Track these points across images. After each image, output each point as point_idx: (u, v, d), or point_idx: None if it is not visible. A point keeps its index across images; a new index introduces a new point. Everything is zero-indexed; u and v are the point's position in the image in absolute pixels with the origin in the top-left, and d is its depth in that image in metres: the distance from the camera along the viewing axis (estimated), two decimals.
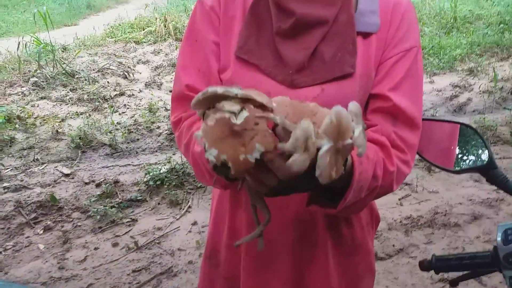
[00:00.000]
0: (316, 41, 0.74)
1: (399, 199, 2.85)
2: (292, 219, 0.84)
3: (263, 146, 0.49)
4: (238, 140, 0.49)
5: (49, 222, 2.67)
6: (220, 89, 0.50)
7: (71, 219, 2.71)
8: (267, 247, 0.76)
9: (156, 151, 3.78)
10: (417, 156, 0.90)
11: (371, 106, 0.80)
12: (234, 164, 0.49)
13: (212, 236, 0.98)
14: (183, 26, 8.09)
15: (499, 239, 0.81)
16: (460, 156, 1.04)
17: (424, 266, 0.90)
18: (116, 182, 3.11)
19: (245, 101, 0.50)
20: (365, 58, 0.77)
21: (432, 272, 0.91)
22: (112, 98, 4.81)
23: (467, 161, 1.05)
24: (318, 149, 0.49)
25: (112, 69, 5.81)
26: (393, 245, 2.39)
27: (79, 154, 3.60)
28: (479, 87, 4.96)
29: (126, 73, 5.72)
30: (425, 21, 7.52)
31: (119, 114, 4.46)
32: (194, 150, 0.75)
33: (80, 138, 3.77)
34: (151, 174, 3.10)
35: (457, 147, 1.04)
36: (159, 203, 2.89)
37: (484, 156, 0.99)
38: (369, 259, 0.95)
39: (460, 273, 0.93)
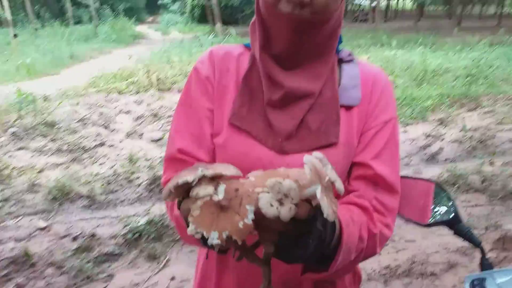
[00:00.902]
0: (303, 112, 0.81)
1: None
2: (280, 283, 0.85)
3: (253, 205, 0.53)
4: (229, 212, 0.51)
5: (21, 279, 2.58)
6: (190, 177, 0.53)
7: (44, 276, 2.63)
8: None
9: (135, 202, 3.75)
10: None
11: (354, 173, 0.85)
12: (237, 234, 0.51)
13: None
14: (166, 77, 8.28)
15: None
16: (426, 209, 1.11)
17: None
18: (93, 235, 3.06)
19: (214, 177, 0.55)
20: (347, 129, 0.83)
21: None
22: (92, 149, 4.81)
23: (436, 216, 1.11)
24: (306, 199, 0.54)
25: (93, 119, 5.86)
26: None
27: (56, 206, 3.54)
28: (450, 136, 5.18)
29: (107, 123, 5.76)
30: (397, 73, 7.90)
31: (99, 164, 4.45)
32: (176, 214, 0.78)
33: (57, 189, 3.72)
34: (129, 226, 3.07)
35: (424, 201, 1.11)
36: (137, 257, 2.84)
37: (451, 211, 1.07)
38: None
39: None
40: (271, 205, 0.52)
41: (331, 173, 0.56)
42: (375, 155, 0.83)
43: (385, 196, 0.82)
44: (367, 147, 0.84)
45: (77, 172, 4.14)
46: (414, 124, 5.71)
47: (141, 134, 5.60)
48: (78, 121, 5.69)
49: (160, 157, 4.59)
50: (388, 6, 33.29)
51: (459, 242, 2.97)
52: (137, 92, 7.71)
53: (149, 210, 3.30)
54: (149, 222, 3.13)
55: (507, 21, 27.46)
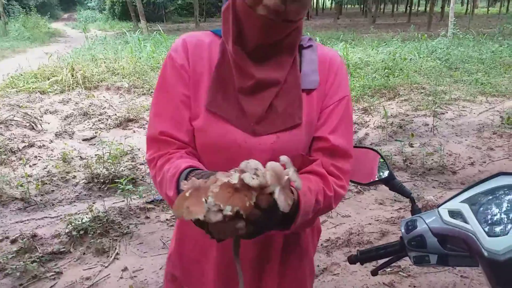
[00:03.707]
0: (271, 98, 0.90)
1: None
2: (253, 240, 0.95)
3: (256, 191, 0.67)
4: (241, 194, 0.66)
5: None
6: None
7: None
8: (232, 266, 0.93)
9: (74, 201, 3.64)
10: None
11: (314, 146, 0.97)
12: (245, 211, 0.65)
13: (178, 257, 1.08)
14: (92, 75, 7.97)
15: (402, 230, 1.04)
16: (368, 171, 1.30)
17: (352, 260, 1.10)
18: (34, 236, 2.94)
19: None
20: (309, 110, 0.94)
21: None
22: (20, 150, 4.54)
23: (375, 176, 1.30)
24: (270, 193, 0.68)
25: (16, 120, 5.50)
26: (318, 266, 2.61)
27: None
28: (374, 123, 5.63)
29: (33, 124, 5.45)
30: None
31: (30, 166, 4.23)
32: (168, 195, 0.87)
33: None
34: (73, 224, 2.99)
35: (366, 165, 1.29)
36: (84, 253, 2.78)
37: (386, 171, 1.26)
38: (311, 262, 1.13)
39: (380, 262, 1.15)
40: (252, 178, 0.67)
41: (292, 175, 0.70)
42: (332, 130, 0.96)
43: (340, 161, 0.97)
44: (325, 123, 0.97)
45: (6, 174, 3.90)
46: None
47: (72, 133, 5.38)
48: (0, 123, 5.31)
49: (96, 155, 4.47)
50: None
51: (388, 214, 3.31)
52: (62, 92, 7.34)
53: (92, 206, 3.23)
54: (93, 219, 3.08)
55: (416, 18, 29.98)
